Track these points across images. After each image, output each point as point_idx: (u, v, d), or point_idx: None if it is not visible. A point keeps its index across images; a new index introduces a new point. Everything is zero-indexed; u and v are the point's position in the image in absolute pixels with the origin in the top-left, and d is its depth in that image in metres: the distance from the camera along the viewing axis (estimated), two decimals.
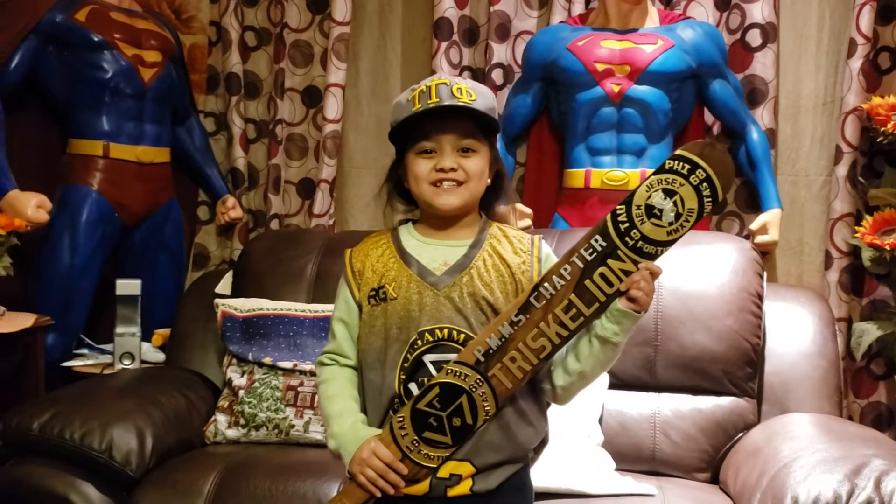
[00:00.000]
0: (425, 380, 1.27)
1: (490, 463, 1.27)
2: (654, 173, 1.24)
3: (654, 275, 1.24)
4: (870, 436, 1.71)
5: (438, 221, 1.37)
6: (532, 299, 1.25)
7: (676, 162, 1.23)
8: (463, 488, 1.26)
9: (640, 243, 1.23)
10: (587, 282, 1.24)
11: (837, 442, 1.62)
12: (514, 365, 1.24)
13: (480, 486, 1.27)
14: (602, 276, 1.23)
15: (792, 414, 1.90)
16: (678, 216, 1.22)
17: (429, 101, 1.30)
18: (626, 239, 1.23)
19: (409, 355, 1.28)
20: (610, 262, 1.23)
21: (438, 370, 1.26)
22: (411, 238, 1.38)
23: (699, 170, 1.22)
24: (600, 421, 1.93)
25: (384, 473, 1.25)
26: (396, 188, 1.41)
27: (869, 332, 2.22)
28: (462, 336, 1.28)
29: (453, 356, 1.26)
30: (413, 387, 1.28)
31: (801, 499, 1.42)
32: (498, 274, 1.31)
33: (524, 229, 1.63)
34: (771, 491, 1.51)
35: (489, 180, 1.38)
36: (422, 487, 1.27)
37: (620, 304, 1.24)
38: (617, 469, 1.83)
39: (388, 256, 1.36)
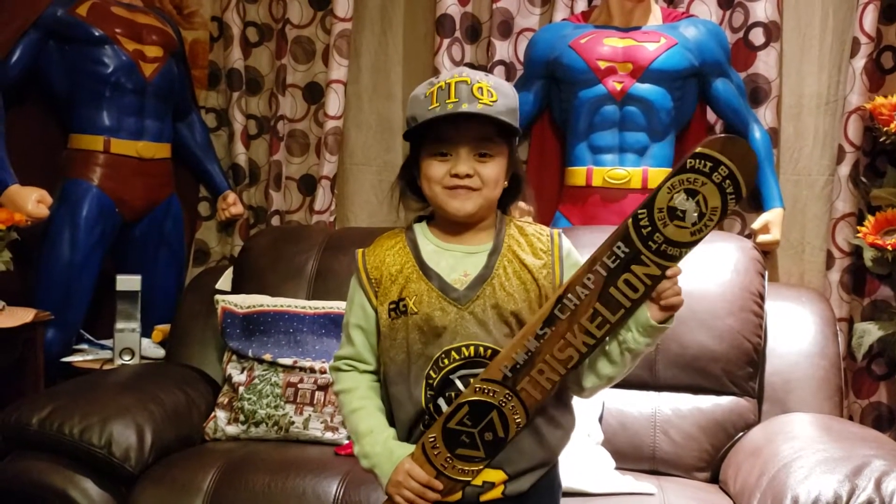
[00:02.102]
0: (454, 396, 1.25)
1: (522, 469, 1.27)
2: (674, 173, 1.20)
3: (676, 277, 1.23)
4: (870, 436, 1.71)
5: (455, 224, 1.32)
6: (556, 311, 1.22)
7: (698, 160, 1.18)
8: (495, 493, 1.26)
9: (664, 246, 1.20)
10: (612, 289, 1.21)
11: (838, 442, 1.62)
12: (543, 377, 1.23)
13: (512, 489, 1.26)
14: (626, 282, 1.21)
15: (792, 414, 1.90)
16: (702, 216, 1.19)
17: (447, 101, 1.24)
18: (650, 243, 1.20)
19: (433, 373, 1.26)
20: (634, 267, 1.21)
21: (467, 386, 1.25)
22: (428, 242, 1.33)
23: (722, 167, 1.18)
24: (600, 419, 1.93)
25: (421, 494, 1.24)
26: (410, 186, 1.36)
27: (870, 333, 2.22)
28: (489, 352, 1.25)
29: (481, 370, 1.24)
30: (442, 402, 1.26)
31: (802, 499, 1.42)
32: (520, 281, 1.28)
33: None
34: (771, 491, 1.51)
35: (506, 183, 1.33)
36: (455, 496, 1.26)
37: (652, 317, 1.22)
38: (617, 468, 1.82)
39: (406, 265, 1.31)
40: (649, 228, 1.20)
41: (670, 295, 1.22)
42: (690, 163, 1.19)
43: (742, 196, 1.20)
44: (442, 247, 1.32)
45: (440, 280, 1.29)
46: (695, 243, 1.21)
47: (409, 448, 1.27)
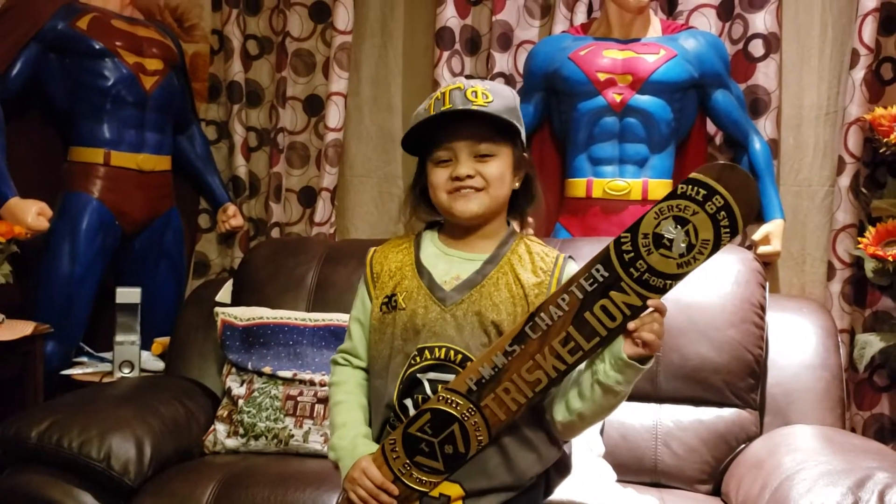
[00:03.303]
0: (420, 398, 1.25)
1: (480, 488, 1.24)
2: (664, 199, 1.13)
3: (661, 315, 1.16)
4: (873, 448, 1.70)
5: (461, 230, 1.33)
6: (527, 329, 1.17)
7: (690, 187, 1.10)
8: None
9: (647, 275, 1.12)
10: (587, 314, 1.15)
11: (840, 454, 1.61)
12: (508, 396, 1.18)
13: None
14: (603, 308, 1.14)
15: (794, 426, 1.89)
16: (690, 247, 1.10)
17: (442, 108, 1.26)
18: (631, 270, 1.13)
19: (407, 370, 1.27)
20: (612, 294, 1.14)
21: (434, 391, 1.24)
22: (432, 245, 1.35)
23: (717, 196, 1.09)
24: (602, 432, 1.92)
25: (375, 495, 1.24)
26: (423, 197, 1.37)
27: (872, 344, 2.21)
28: (459, 357, 1.25)
29: (451, 377, 1.23)
30: (409, 403, 1.26)
31: None
32: (509, 294, 1.27)
33: None
34: (773, 503, 1.50)
35: (517, 184, 1.33)
36: None
37: (625, 351, 1.16)
38: (618, 480, 1.82)
39: (405, 263, 1.34)
40: (632, 254, 1.13)
41: (645, 330, 1.14)
42: (682, 189, 1.11)
43: (738, 231, 1.11)
44: (443, 251, 1.34)
45: (430, 279, 1.31)
46: (681, 276, 1.13)
47: (374, 447, 1.28)
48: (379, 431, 1.31)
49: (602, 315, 1.15)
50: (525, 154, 1.35)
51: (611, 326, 1.15)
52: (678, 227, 1.11)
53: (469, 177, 1.27)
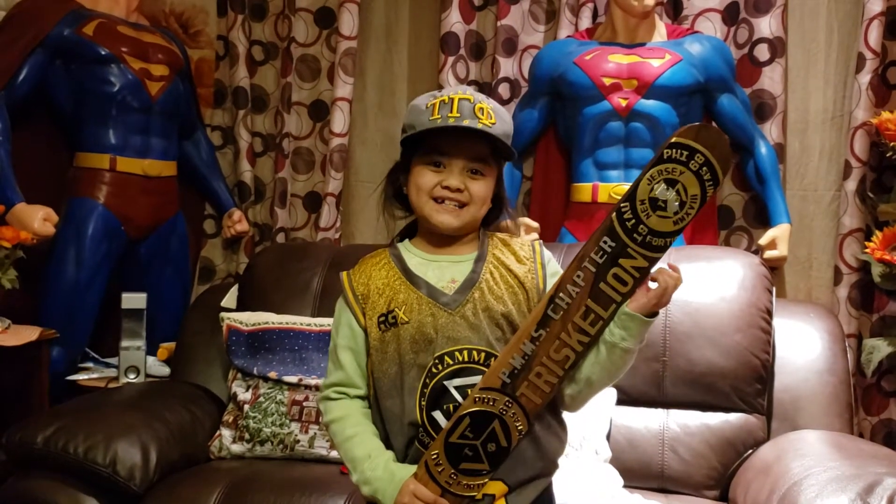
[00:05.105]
0: (451, 407, 1.23)
1: (522, 479, 1.25)
2: (652, 164, 1.22)
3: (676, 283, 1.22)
4: (882, 453, 1.70)
5: (439, 237, 1.33)
6: (549, 312, 1.22)
7: (674, 150, 1.20)
8: None
9: (649, 237, 1.21)
10: (601, 284, 1.22)
11: (849, 459, 1.60)
12: (541, 380, 1.23)
13: (514, 502, 1.25)
14: (616, 276, 1.22)
15: (802, 431, 1.88)
16: (682, 205, 1.21)
17: (449, 115, 1.25)
18: (635, 235, 1.21)
19: (428, 381, 1.24)
20: (622, 261, 1.22)
21: (464, 396, 1.23)
22: (413, 256, 1.34)
23: (698, 154, 1.20)
24: (608, 437, 1.91)
25: None
26: (395, 193, 1.36)
27: (879, 349, 2.20)
28: (482, 355, 1.24)
29: (478, 378, 1.23)
30: (438, 415, 1.24)
31: None
32: (507, 285, 1.29)
33: None
34: None
35: (490, 203, 1.34)
36: None
37: (629, 306, 1.21)
38: (625, 486, 1.81)
39: (393, 278, 1.31)
40: (633, 221, 1.21)
41: (663, 275, 1.21)
42: (668, 153, 1.21)
43: (719, 182, 1.22)
44: (427, 258, 1.33)
45: (429, 287, 1.29)
46: (678, 232, 1.23)
47: (411, 469, 1.25)
48: (404, 451, 1.27)
49: (615, 282, 1.22)
50: (501, 177, 1.36)
51: (623, 291, 1.22)
52: (669, 188, 1.21)
53: (458, 190, 1.28)
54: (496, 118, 1.27)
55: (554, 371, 1.23)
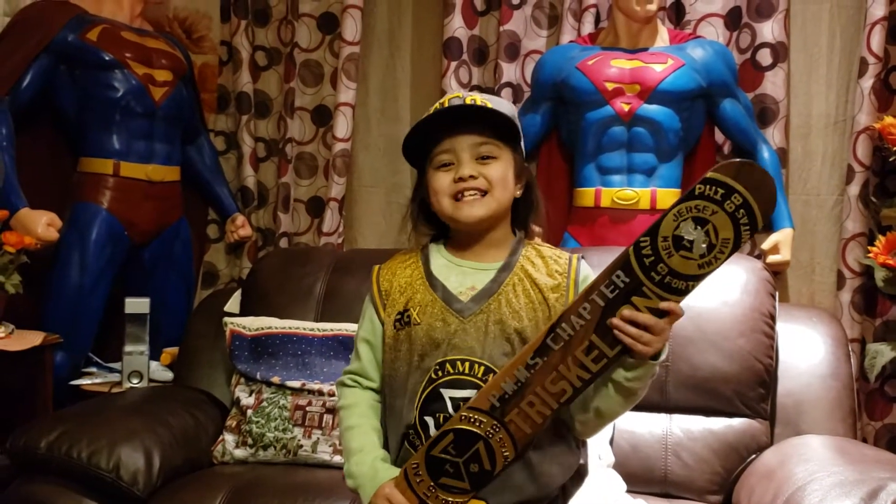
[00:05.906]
0: (441, 416, 1.22)
1: (507, 503, 1.22)
2: (682, 200, 1.11)
3: (676, 317, 1.14)
4: (885, 458, 1.69)
5: (467, 238, 1.32)
6: (549, 341, 1.15)
7: (708, 186, 1.08)
8: None
9: (668, 278, 1.11)
10: (610, 321, 1.14)
11: (853, 464, 1.60)
12: (533, 409, 1.16)
13: None
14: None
15: (805, 436, 1.88)
16: (711, 247, 1.09)
17: (439, 110, 1.28)
18: (652, 274, 1.11)
19: (427, 385, 1.24)
20: (635, 298, 1.12)
21: (456, 408, 1.21)
22: (440, 257, 1.33)
23: (735, 195, 1.07)
24: (611, 442, 1.91)
25: None
26: (423, 211, 1.35)
27: (883, 354, 2.19)
28: (482, 369, 1.22)
29: (472, 393, 1.20)
30: (429, 420, 1.23)
31: None
32: (528, 300, 1.25)
33: None
34: None
35: (518, 192, 1.32)
36: None
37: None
38: (628, 491, 1.80)
39: (415, 278, 1.31)
40: (652, 258, 1.12)
41: (623, 331, 1.13)
42: (700, 189, 1.10)
43: (758, 228, 1.10)
44: (453, 262, 1.32)
45: (444, 291, 1.28)
46: (702, 277, 1.12)
47: (395, 471, 1.25)
48: (398, 450, 1.28)
49: None
50: (525, 164, 1.35)
51: None
52: (698, 227, 1.09)
53: (472, 177, 1.26)
54: (492, 103, 1.27)
55: (547, 403, 1.16)
